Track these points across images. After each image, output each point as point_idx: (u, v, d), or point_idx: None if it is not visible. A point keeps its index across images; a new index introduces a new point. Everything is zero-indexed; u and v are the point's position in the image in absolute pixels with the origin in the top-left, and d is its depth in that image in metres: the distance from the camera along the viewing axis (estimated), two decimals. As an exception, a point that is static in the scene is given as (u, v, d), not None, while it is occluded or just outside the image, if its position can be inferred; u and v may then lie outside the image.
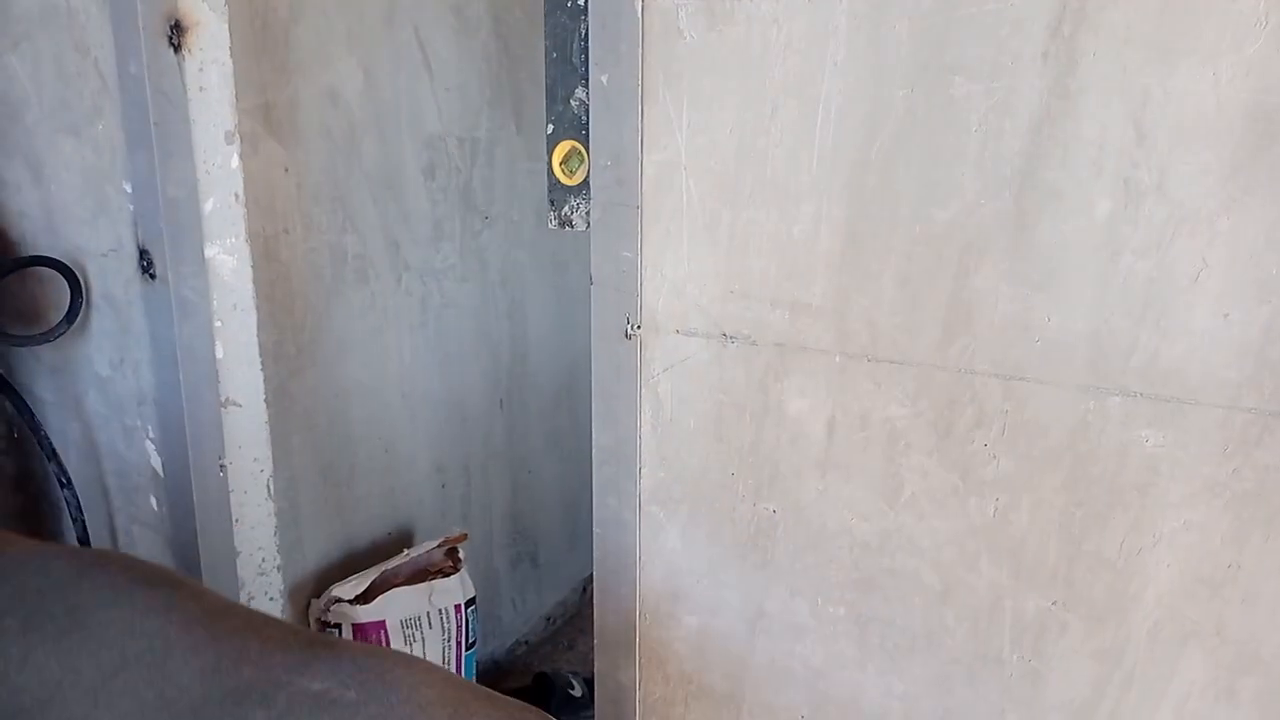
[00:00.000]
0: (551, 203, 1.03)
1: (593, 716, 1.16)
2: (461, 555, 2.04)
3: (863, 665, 0.98)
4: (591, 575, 1.09)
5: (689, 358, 0.99)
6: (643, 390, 1.02)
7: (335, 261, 1.85)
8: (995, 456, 0.86)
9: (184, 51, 1.35)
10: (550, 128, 1.01)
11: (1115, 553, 0.83)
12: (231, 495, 1.52)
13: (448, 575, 1.99)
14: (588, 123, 0.98)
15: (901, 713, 0.97)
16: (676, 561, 1.05)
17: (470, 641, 1.99)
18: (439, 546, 2.01)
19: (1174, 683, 0.85)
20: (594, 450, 1.06)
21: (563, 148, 1.01)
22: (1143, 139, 0.76)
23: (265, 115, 1.66)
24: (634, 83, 0.93)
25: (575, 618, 2.74)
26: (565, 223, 1.03)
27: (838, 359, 0.91)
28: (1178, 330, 0.78)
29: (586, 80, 0.97)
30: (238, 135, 1.45)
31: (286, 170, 1.71)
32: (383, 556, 1.98)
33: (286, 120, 1.70)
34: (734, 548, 1.01)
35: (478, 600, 2.08)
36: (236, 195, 1.46)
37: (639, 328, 1.00)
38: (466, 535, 2.06)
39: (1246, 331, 0.75)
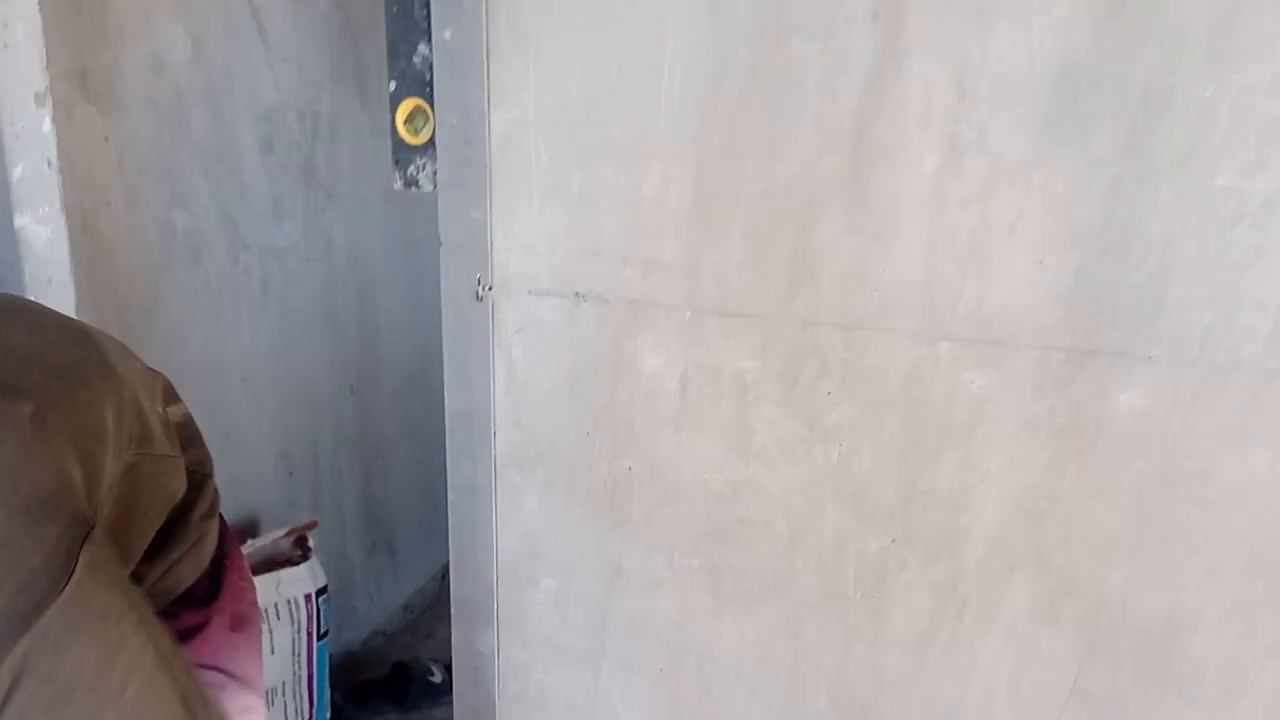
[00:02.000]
0: (396, 162, 1.00)
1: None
2: (311, 544, 1.97)
3: (718, 614, 1.01)
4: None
5: (542, 318, 0.98)
6: (495, 352, 1.01)
7: (164, 238, 1.74)
8: (838, 403, 0.90)
9: (-15, 4, 1.24)
10: (393, 85, 0.98)
11: (947, 490, 0.88)
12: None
13: (296, 564, 1.92)
14: (432, 80, 0.96)
15: (755, 657, 1.00)
16: (534, 525, 1.05)
17: (322, 631, 1.92)
18: (286, 535, 1.94)
19: (1002, 610, 0.91)
20: (447, 417, 1.04)
21: (406, 105, 0.98)
22: (964, 96, 0.80)
23: (81, 80, 1.55)
24: (479, 39, 0.92)
25: (435, 605, 2.70)
26: (411, 183, 1.00)
27: (689, 315, 0.93)
28: (999, 277, 0.83)
29: (430, 36, 0.95)
30: (50, 98, 1.35)
31: (106, 140, 1.61)
32: (226, 549, 1.89)
33: (106, 87, 1.59)
34: (592, 507, 1.02)
35: (331, 592, 2.02)
36: (49, 162, 1.35)
37: (490, 289, 0.99)
38: (316, 523, 1.99)
39: (1059, 276, 0.81)
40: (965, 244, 0.83)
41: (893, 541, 0.91)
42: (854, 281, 0.87)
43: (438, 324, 1.02)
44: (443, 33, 0.93)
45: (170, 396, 0.74)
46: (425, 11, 0.95)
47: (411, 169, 1.00)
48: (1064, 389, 0.83)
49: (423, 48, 0.96)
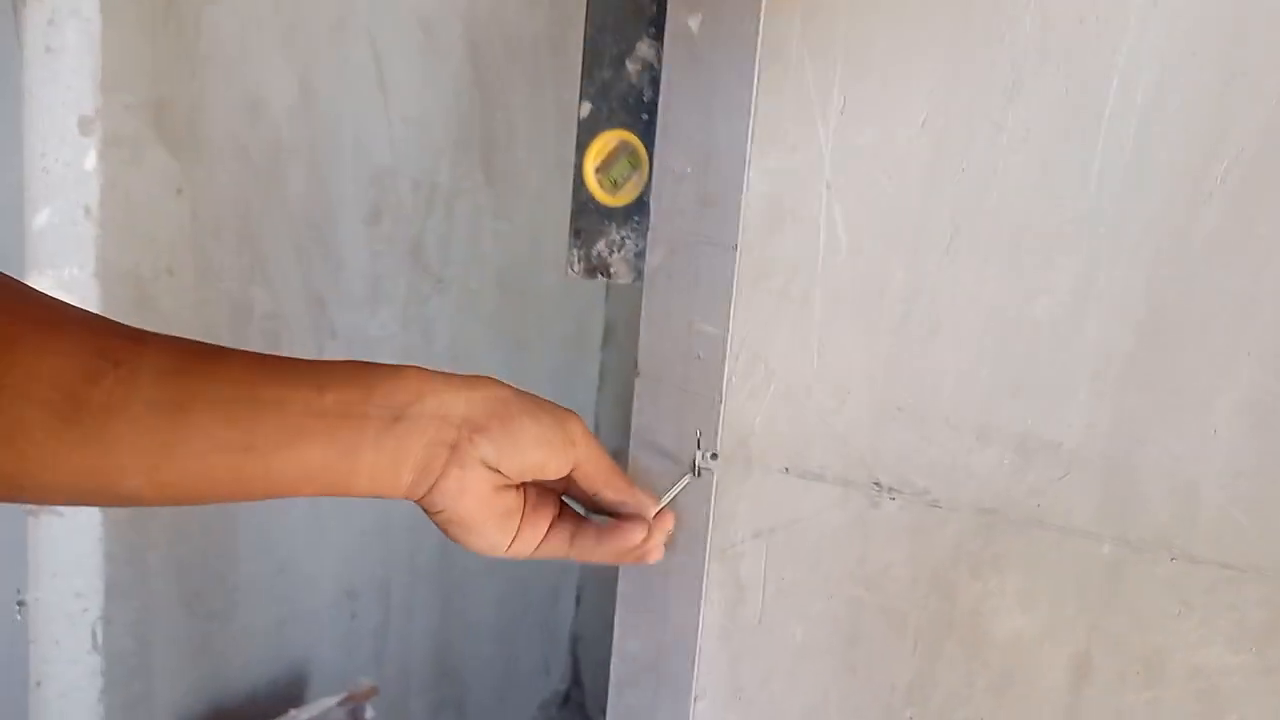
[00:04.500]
0: (577, 234, 0.61)
1: None
2: (369, 716, 1.55)
3: None
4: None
5: (806, 518, 0.56)
6: (713, 566, 0.59)
7: (237, 319, 1.40)
8: None
9: (27, -7, 0.92)
10: (585, 109, 0.59)
11: None
12: (31, 648, 1.02)
13: (347, 746, 1.49)
14: (654, 101, 0.57)
15: None
16: None
17: (370, 844, 1.48)
18: (340, 704, 1.52)
19: None
20: (614, 664, 0.61)
21: (605, 142, 0.59)
22: None
23: (156, 115, 1.23)
24: (748, 26, 0.53)
25: (505, 783, 2.22)
26: (598, 269, 0.60)
27: (1108, 549, 0.49)
28: None
29: (659, 27, 0.57)
30: (101, 126, 1.02)
31: (180, 192, 1.28)
32: (262, 715, 1.48)
33: (187, 126, 1.27)
34: None
35: (384, 770, 1.58)
36: (87, 210, 1.02)
37: (715, 457, 0.57)
38: (376, 690, 1.56)
39: None
40: None
41: None
42: None
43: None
44: (686, 20, 0.55)
45: None
46: (657, -14, 0.56)
47: (601, 245, 0.60)
48: None
49: (644, 47, 0.57)
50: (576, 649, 2.48)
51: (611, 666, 0.61)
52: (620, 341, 2.36)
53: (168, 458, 0.40)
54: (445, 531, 0.48)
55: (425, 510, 0.47)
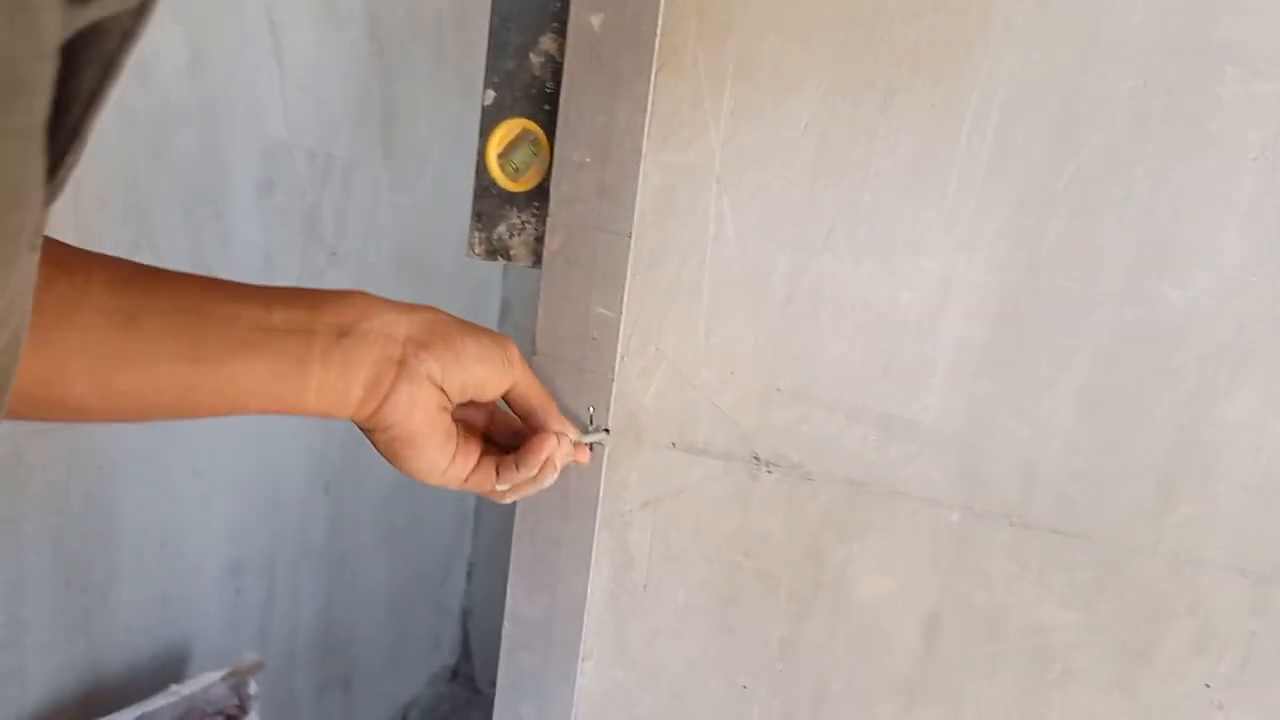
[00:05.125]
0: (478, 217, 0.63)
1: None
2: (253, 691, 1.53)
3: None
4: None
5: (690, 489, 0.60)
6: (601, 534, 0.62)
7: (119, 287, 1.35)
8: (1223, 706, 0.52)
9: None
10: (489, 96, 0.61)
11: None
12: (-103, 622, 0.99)
13: (231, 721, 1.48)
14: (556, 92, 0.60)
15: None
16: (631, 820, 0.64)
17: (255, 819, 1.47)
18: (223, 679, 1.50)
19: None
20: (505, 626, 0.64)
21: (506, 130, 0.61)
22: None
23: (36, 74, 1.17)
24: (647, 28, 0.56)
25: (393, 758, 2.23)
26: (498, 251, 0.63)
27: (957, 517, 0.55)
28: None
29: (562, 22, 0.59)
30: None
31: (60, 155, 1.23)
32: (143, 691, 1.45)
33: (69, 87, 1.22)
34: (736, 810, 0.62)
35: (270, 746, 1.57)
36: (-36, 170, 0.98)
37: (607, 431, 0.61)
38: (262, 663, 1.55)
39: None
40: None
41: None
42: (1288, 501, 0.49)
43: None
44: (588, 17, 0.57)
45: None
46: (561, -19, 0.59)
47: (501, 229, 0.62)
48: None
49: (547, 40, 0.60)
50: (467, 623, 2.50)
51: (504, 631, 0.64)
52: (517, 318, 2.37)
53: (117, 365, 0.40)
54: (388, 452, 0.49)
55: (370, 431, 0.48)
